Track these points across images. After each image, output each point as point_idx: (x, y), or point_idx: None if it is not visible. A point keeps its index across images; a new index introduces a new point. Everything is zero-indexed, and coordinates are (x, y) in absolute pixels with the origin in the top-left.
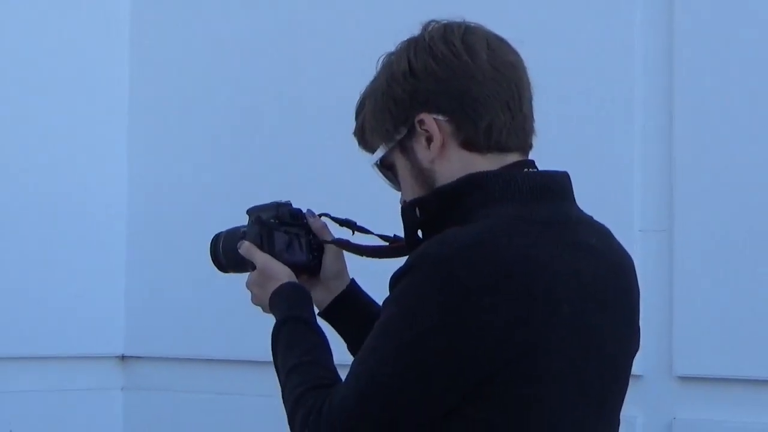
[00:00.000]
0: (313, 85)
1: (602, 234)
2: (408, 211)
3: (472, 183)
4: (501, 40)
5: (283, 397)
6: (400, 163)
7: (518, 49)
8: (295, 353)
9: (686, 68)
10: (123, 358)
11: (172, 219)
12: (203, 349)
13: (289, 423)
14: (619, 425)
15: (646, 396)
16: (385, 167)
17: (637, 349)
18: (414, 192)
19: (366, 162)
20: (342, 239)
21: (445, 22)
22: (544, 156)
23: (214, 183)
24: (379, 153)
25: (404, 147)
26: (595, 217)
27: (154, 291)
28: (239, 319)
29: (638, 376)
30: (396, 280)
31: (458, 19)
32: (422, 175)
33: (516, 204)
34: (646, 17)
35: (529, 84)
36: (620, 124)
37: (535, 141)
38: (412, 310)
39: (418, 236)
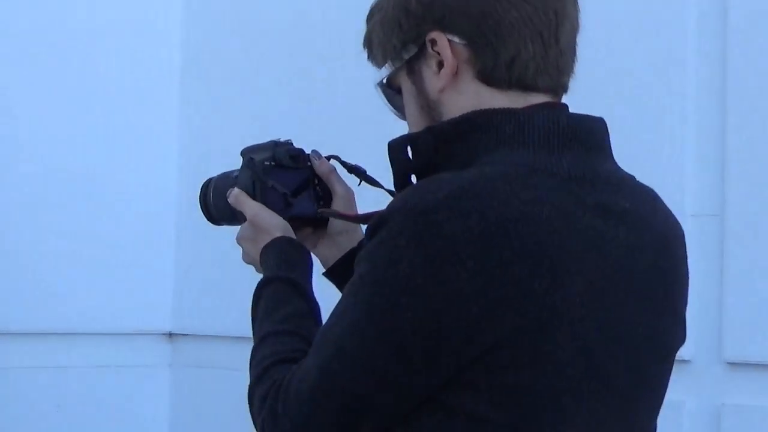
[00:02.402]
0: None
1: (642, 197)
2: (398, 149)
3: (477, 121)
4: None
5: (249, 368)
6: (407, 88)
7: None
8: (272, 319)
9: (740, 51)
10: (170, 335)
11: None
12: (250, 328)
13: (248, 398)
14: None
15: (694, 381)
16: (394, 89)
17: (679, 343)
18: (417, 125)
19: (372, 79)
20: (334, 210)
21: None
22: None
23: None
24: (384, 72)
25: (412, 69)
26: None
27: (202, 269)
28: None
29: (687, 362)
30: (370, 233)
31: None
32: (428, 106)
33: (531, 151)
34: None
35: (573, 13)
36: (672, 107)
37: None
38: (383, 269)
39: (410, 182)
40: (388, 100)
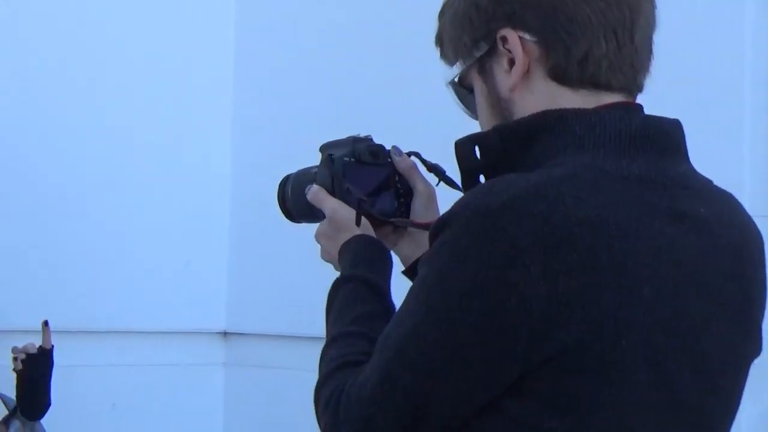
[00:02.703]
0: (418, 67)
1: (719, 203)
2: (465, 148)
3: (546, 122)
4: None
5: (318, 368)
6: (478, 87)
7: None
8: (344, 320)
9: None
10: (225, 334)
11: (275, 199)
12: (303, 327)
13: (314, 398)
14: None
15: (752, 385)
16: (467, 89)
17: (754, 354)
18: (488, 124)
19: (443, 78)
20: (407, 220)
21: None
22: None
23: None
24: (455, 70)
25: (483, 68)
26: None
27: (256, 269)
28: None
29: None
30: (433, 234)
31: None
32: (499, 105)
33: (600, 153)
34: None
35: (649, 10)
36: (728, 106)
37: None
38: (445, 272)
39: (479, 182)
40: (460, 99)
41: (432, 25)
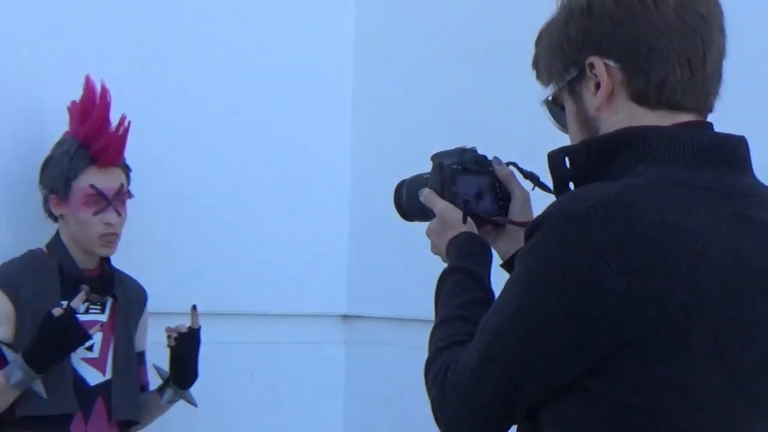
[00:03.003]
0: (519, 89)
1: None
2: (557, 159)
3: (628, 137)
4: None
5: (428, 346)
6: (568, 107)
7: None
8: (451, 305)
9: None
10: (345, 317)
11: (391, 201)
12: (414, 311)
13: (424, 373)
14: None
15: None
16: (559, 106)
17: None
18: (577, 138)
19: (539, 97)
20: (506, 218)
21: None
22: None
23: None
24: (549, 91)
25: (573, 90)
26: None
27: (373, 260)
28: None
29: None
30: (528, 234)
31: None
32: (587, 123)
33: (675, 166)
34: None
35: (720, 41)
36: None
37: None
38: (537, 268)
39: (569, 189)
40: (552, 116)
41: (530, 52)
